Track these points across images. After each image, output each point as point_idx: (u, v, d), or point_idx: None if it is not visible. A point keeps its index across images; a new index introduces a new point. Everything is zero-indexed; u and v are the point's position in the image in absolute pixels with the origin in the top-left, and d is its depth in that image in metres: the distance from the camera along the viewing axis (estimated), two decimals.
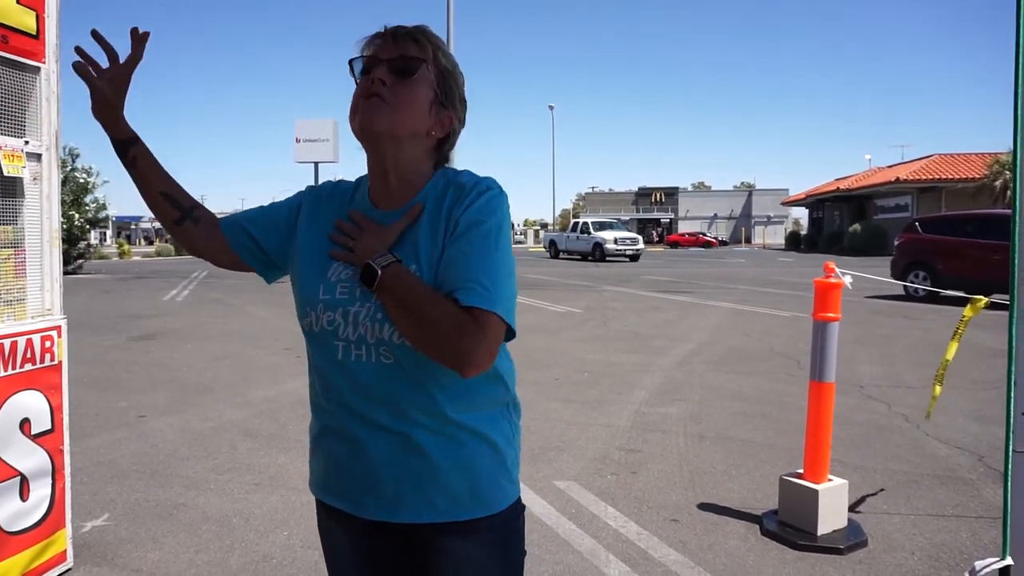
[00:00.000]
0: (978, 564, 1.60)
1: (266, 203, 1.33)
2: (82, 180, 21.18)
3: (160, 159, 1.31)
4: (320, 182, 1.34)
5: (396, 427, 1.14)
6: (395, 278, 1.08)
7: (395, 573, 1.26)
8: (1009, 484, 1.52)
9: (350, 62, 1.19)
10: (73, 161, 21.11)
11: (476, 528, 1.17)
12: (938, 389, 2.88)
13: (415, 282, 1.09)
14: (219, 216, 1.35)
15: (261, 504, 3.42)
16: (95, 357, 7.22)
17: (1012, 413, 1.47)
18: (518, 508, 1.24)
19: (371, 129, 1.14)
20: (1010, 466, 1.48)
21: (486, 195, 1.14)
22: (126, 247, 37.81)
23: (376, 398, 1.14)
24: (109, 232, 54.62)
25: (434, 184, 1.19)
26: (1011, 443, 1.50)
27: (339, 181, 1.29)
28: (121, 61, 1.23)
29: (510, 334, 1.10)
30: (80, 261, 21.56)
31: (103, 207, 22.52)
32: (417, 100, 1.15)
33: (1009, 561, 1.56)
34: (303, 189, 1.32)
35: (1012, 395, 1.47)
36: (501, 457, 1.20)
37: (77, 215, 20.34)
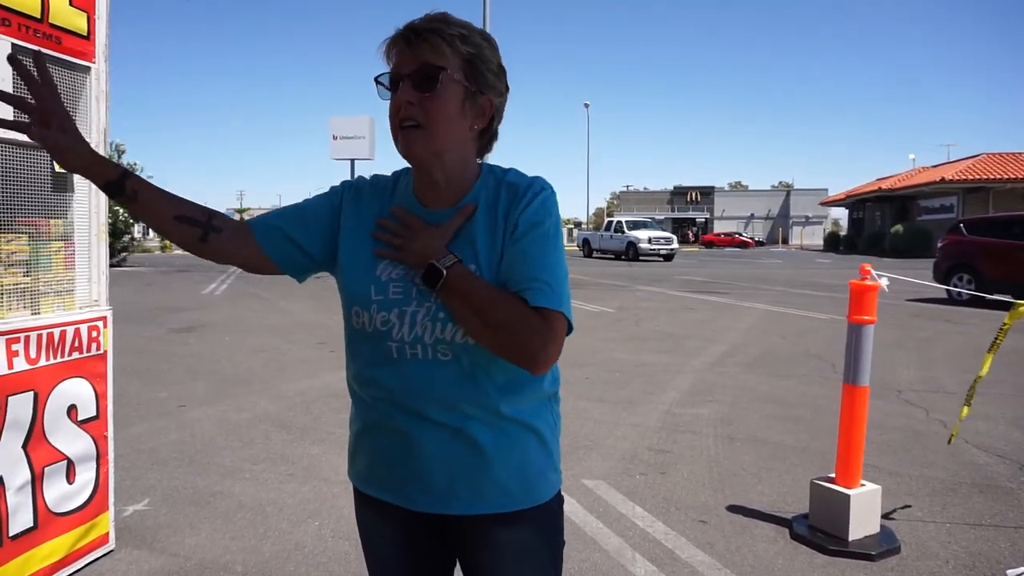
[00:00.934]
0: (1010, 572, 1.57)
1: (300, 200, 1.29)
2: None
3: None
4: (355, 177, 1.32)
5: (449, 422, 1.15)
6: (460, 279, 1.09)
7: (437, 563, 1.29)
8: None
9: (377, 80, 1.17)
10: (119, 157, 21.74)
11: (523, 518, 1.19)
12: (966, 411, 2.82)
13: (480, 283, 1.10)
14: (247, 218, 1.32)
15: (294, 494, 3.50)
16: (138, 348, 7.44)
17: None
18: (560, 497, 1.27)
19: (415, 157, 1.15)
20: None
21: (541, 196, 1.16)
22: (167, 241, 38.71)
23: (429, 394, 1.14)
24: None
25: (484, 183, 1.19)
26: None
27: (376, 176, 1.28)
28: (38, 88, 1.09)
29: (569, 328, 1.12)
30: (124, 254, 22.19)
31: None
32: (448, 109, 1.13)
33: None
34: (338, 185, 1.29)
35: None
36: (547, 448, 1.23)
37: (122, 210, 20.89)
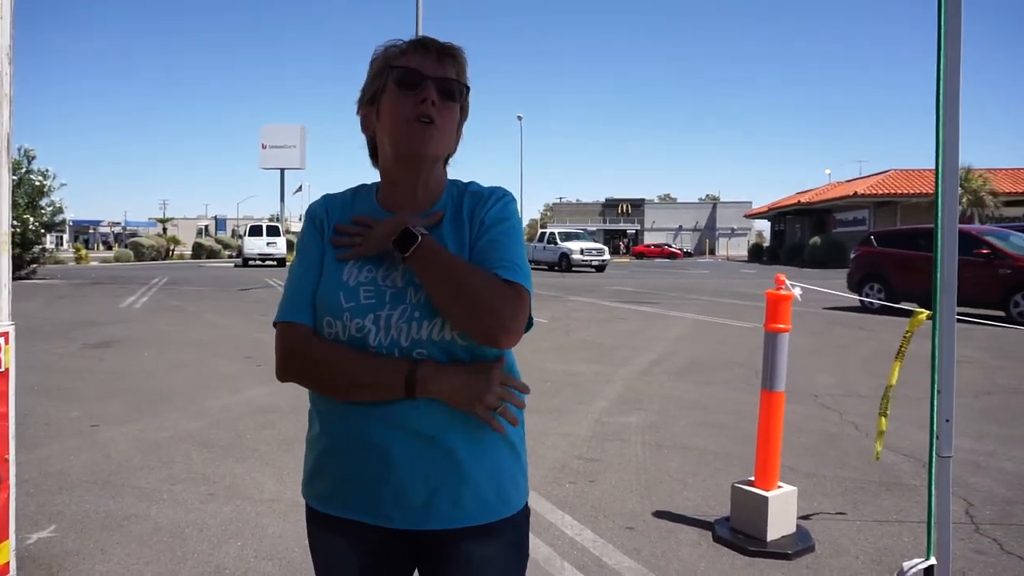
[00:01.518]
0: (906, 564, 1.67)
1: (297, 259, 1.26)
2: (38, 183, 20.59)
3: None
4: (309, 196, 1.34)
5: (427, 430, 1.13)
6: (433, 245, 1.12)
7: None
8: (932, 487, 1.60)
9: (391, 66, 1.20)
10: (29, 163, 20.52)
11: (497, 530, 1.19)
12: (883, 423, 2.96)
13: (452, 254, 1.14)
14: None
15: (215, 514, 3.38)
16: (47, 365, 7.04)
17: (936, 420, 1.55)
18: (528, 507, 1.27)
19: (422, 152, 1.18)
20: (933, 470, 1.56)
21: (503, 199, 1.24)
22: (83, 252, 36.83)
23: (404, 405, 1.12)
24: (66, 236, 53.29)
25: (449, 193, 1.25)
26: (934, 448, 1.58)
27: (328, 196, 1.31)
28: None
29: (529, 323, 1.15)
30: (34, 266, 20.95)
31: (60, 210, 21.90)
32: (455, 123, 1.24)
33: (933, 561, 1.64)
34: (313, 213, 1.28)
35: (935, 403, 1.55)
36: (517, 454, 1.24)
37: (32, 218, 19.76)
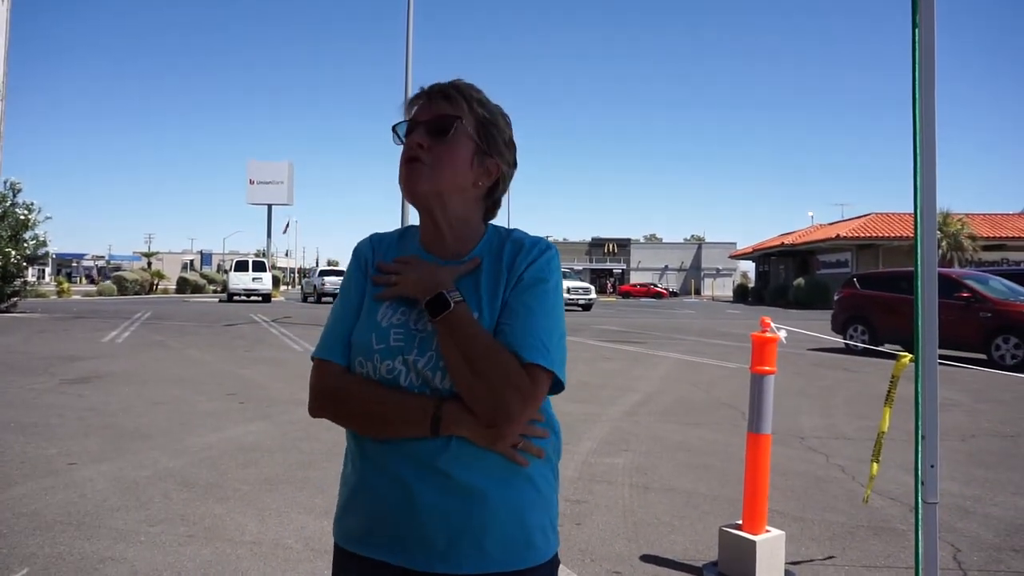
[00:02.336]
0: None
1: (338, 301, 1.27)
2: (23, 216, 20.50)
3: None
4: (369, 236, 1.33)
5: (454, 471, 1.12)
6: (464, 316, 1.11)
7: None
8: (920, 534, 1.60)
9: (394, 128, 1.24)
10: (14, 195, 20.46)
11: None
12: (875, 468, 2.97)
13: (481, 328, 1.11)
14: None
15: (194, 557, 3.30)
16: (25, 401, 6.91)
17: (920, 466, 1.56)
18: (557, 560, 1.23)
19: (414, 191, 1.19)
20: (919, 517, 1.56)
21: (547, 254, 1.20)
22: (65, 285, 36.49)
23: (434, 444, 1.12)
24: (48, 269, 52.77)
25: (489, 240, 1.24)
26: (920, 494, 1.58)
27: (377, 235, 1.32)
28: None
29: (559, 387, 1.15)
30: (15, 299, 20.71)
31: (43, 244, 21.78)
32: (457, 156, 1.19)
33: None
34: (359, 252, 1.30)
35: (920, 449, 1.56)
36: (547, 503, 1.20)
37: (14, 251, 19.62)
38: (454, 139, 1.19)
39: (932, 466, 1.59)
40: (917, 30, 1.68)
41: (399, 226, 1.40)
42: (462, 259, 1.21)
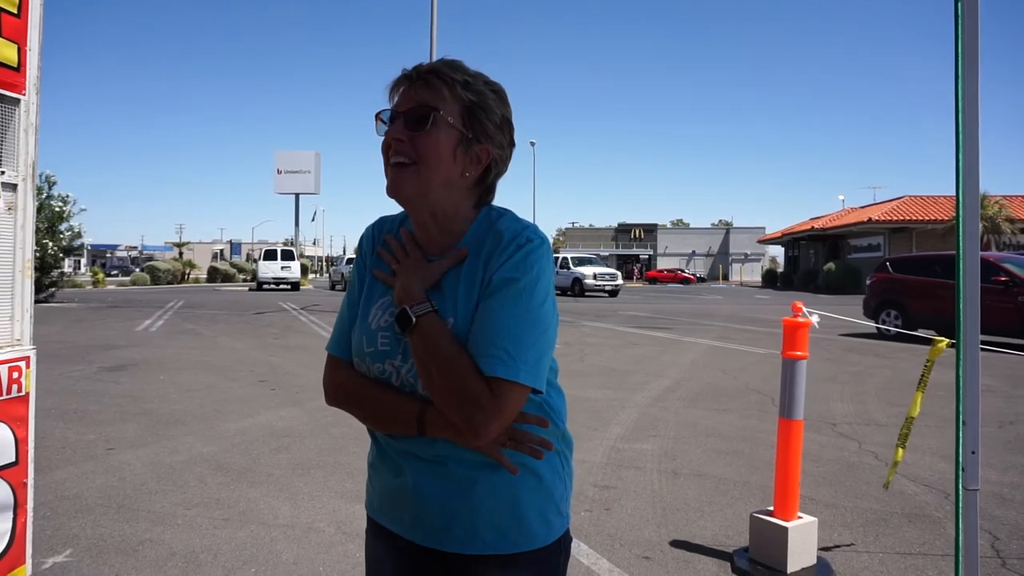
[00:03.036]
0: None
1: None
2: (58, 208, 20.95)
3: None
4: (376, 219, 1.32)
5: (444, 462, 1.16)
6: (428, 329, 1.10)
7: None
8: (960, 521, 1.57)
9: (377, 116, 1.18)
10: (50, 188, 20.90)
11: (520, 562, 1.17)
12: (900, 453, 2.91)
13: (445, 340, 1.09)
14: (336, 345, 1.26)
15: (230, 540, 3.37)
16: (65, 388, 7.09)
17: (962, 452, 1.52)
18: (564, 541, 1.23)
19: (402, 196, 1.15)
20: (960, 504, 1.53)
21: (524, 249, 1.12)
22: (100, 275, 37.27)
23: (427, 438, 1.16)
24: (84, 260, 53.95)
25: (478, 227, 1.18)
26: (960, 481, 1.55)
27: (382, 219, 1.31)
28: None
29: (536, 392, 1.12)
30: (52, 289, 21.22)
31: (78, 235, 22.24)
32: (439, 149, 1.12)
33: None
34: (361, 246, 1.30)
35: (960, 434, 1.52)
36: (547, 489, 1.20)
37: (51, 243, 20.07)
38: (433, 131, 1.11)
39: (973, 452, 1.56)
40: (960, 4, 1.62)
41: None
42: (447, 253, 1.17)
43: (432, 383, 1.09)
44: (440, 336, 1.09)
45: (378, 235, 1.28)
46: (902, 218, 34.35)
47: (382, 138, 1.17)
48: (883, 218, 34.77)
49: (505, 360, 1.06)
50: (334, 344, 1.27)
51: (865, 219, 35.66)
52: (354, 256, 1.36)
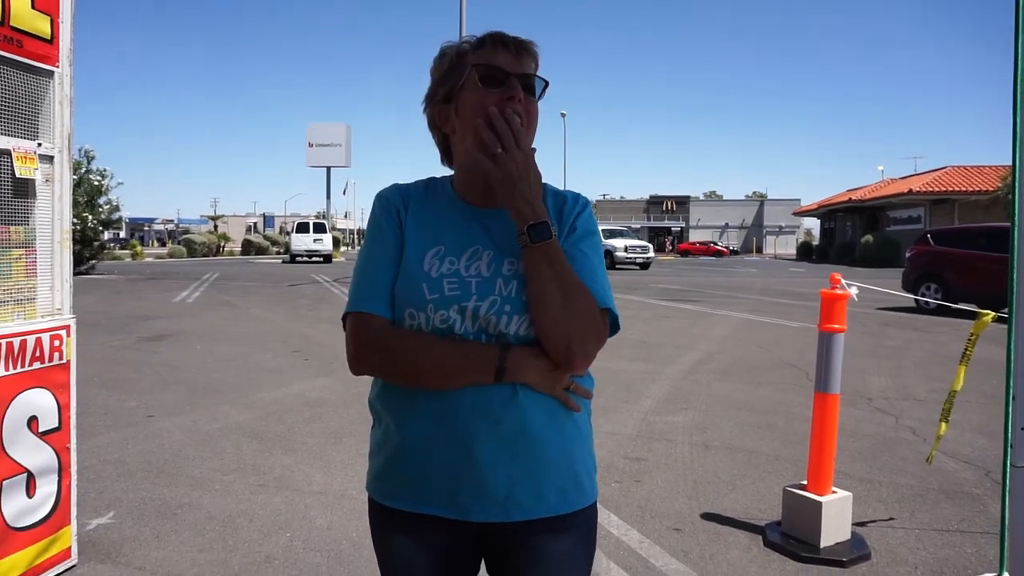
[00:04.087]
0: None
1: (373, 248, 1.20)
2: (96, 182, 21.37)
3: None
4: (382, 189, 1.27)
5: (512, 421, 1.11)
6: (559, 250, 1.12)
7: None
8: (1007, 499, 1.52)
9: (473, 64, 1.16)
10: (88, 163, 21.32)
11: (572, 522, 1.18)
12: (943, 428, 2.83)
13: (568, 263, 1.12)
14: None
15: (265, 505, 3.44)
16: (106, 357, 7.29)
17: (1011, 428, 1.46)
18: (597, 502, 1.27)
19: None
20: (1008, 481, 1.48)
21: (589, 208, 1.25)
22: (139, 248, 38.08)
23: (492, 392, 1.11)
24: (122, 233, 55.14)
25: None
26: (1009, 458, 1.49)
27: (403, 186, 1.27)
28: None
29: (615, 330, 1.19)
30: (93, 262, 21.75)
31: (116, 208, 22.70)
32: (537, 118, 1.22)
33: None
34: (386, 199, 1.24)
35: (1011, 410, 1.46)
36: (590, 448, 1.24)
37: (91, 216, 20.52)
38: (537, 101, 1.21)
39: (1023, 428, 1.50)
40: None
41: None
42: (496, 208, 1.17)
43: (561, 304, 1.08)
44: (566, 259, 1.12)
45: (407, 196, 1.24)
46: (944, 189, 33.27)
47: (494, 90, 1.15)
48: (924, 189, 33.73)
49: (607, 296, 1.15)
50: (364, 301, 1.15)
51: (905, 190, 34.65)
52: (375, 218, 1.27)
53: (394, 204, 1.23)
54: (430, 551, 1.20)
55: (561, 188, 1.28)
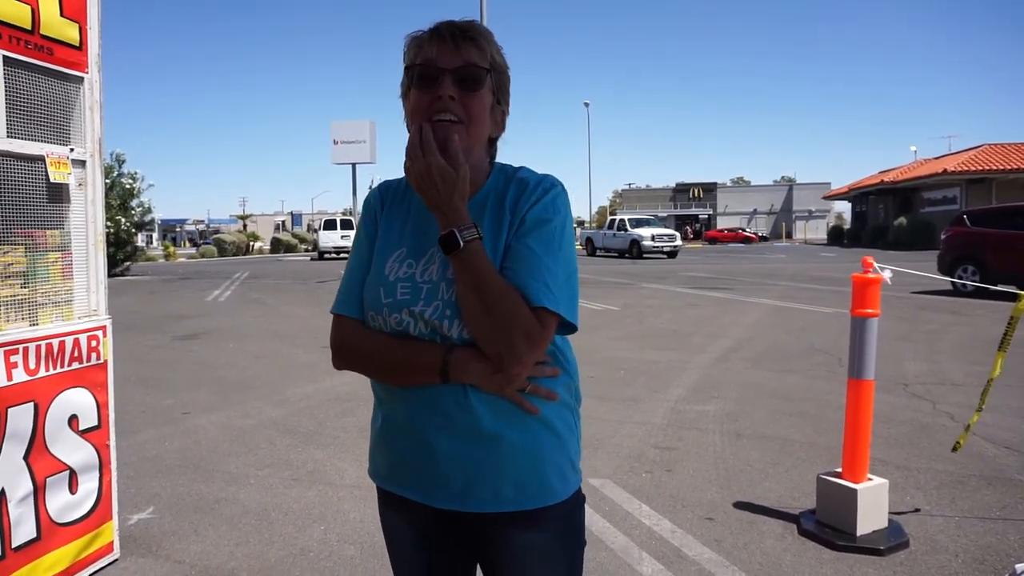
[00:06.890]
0: (1019, 567, 1.55)
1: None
2: (128, 185, 21.77)
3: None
4: (374, 184, 1.32)
5: (464, 420, 1.14)
6: (477, 255, 1.09)
7: (458, 561, 1.29)
8: None
9: (407, 68, 1.17)
10: (120, 166, 21.71)
11: (541, 518, 1.19)
12: (976, 417, 2.76)
13: (491, 268, 1.10)
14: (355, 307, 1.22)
15: (299, 499, 3.49)
16: (142, 356, 7.45)
17: None
18: (580, 497, 1.26)
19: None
20: None
21: (551, 192, 1.17)
22: (171, 249, 38.79)
23: (444, 390, 1.14)
24: (155, 235, 56.19)
25: (495, 179, 1.21)
26: None
27: (385, 183, 1.30)
28: None
29: (571, 328, 1.15)
30: (127, 263, 22.19)
31: (148, 210, 23.11)
32: (485, 111, 1.16)
33: None
34: (368, 205, 1.30)
35: None
36: (564, 445, 1.22)
37: (124, 219, 20.91)
38: (483, 92, 1.15)
39: None
40: None
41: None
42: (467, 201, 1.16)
43: (480, 310, 1.08)
44: (487, 263, 1.10)
45: (386, 196, 1.28)
46: (980, 168, 32.36)
47: (426, 91, 1.14)
48: (959, 169, 32.84)
49: (546, 293, 1.09)
50: (341, 303, 1.24)
51: (940, 170, 33.77)
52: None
53: (373, 207, 1.28)
54: (413, 530, 1.27)
55: (536, 173, 1.22)
